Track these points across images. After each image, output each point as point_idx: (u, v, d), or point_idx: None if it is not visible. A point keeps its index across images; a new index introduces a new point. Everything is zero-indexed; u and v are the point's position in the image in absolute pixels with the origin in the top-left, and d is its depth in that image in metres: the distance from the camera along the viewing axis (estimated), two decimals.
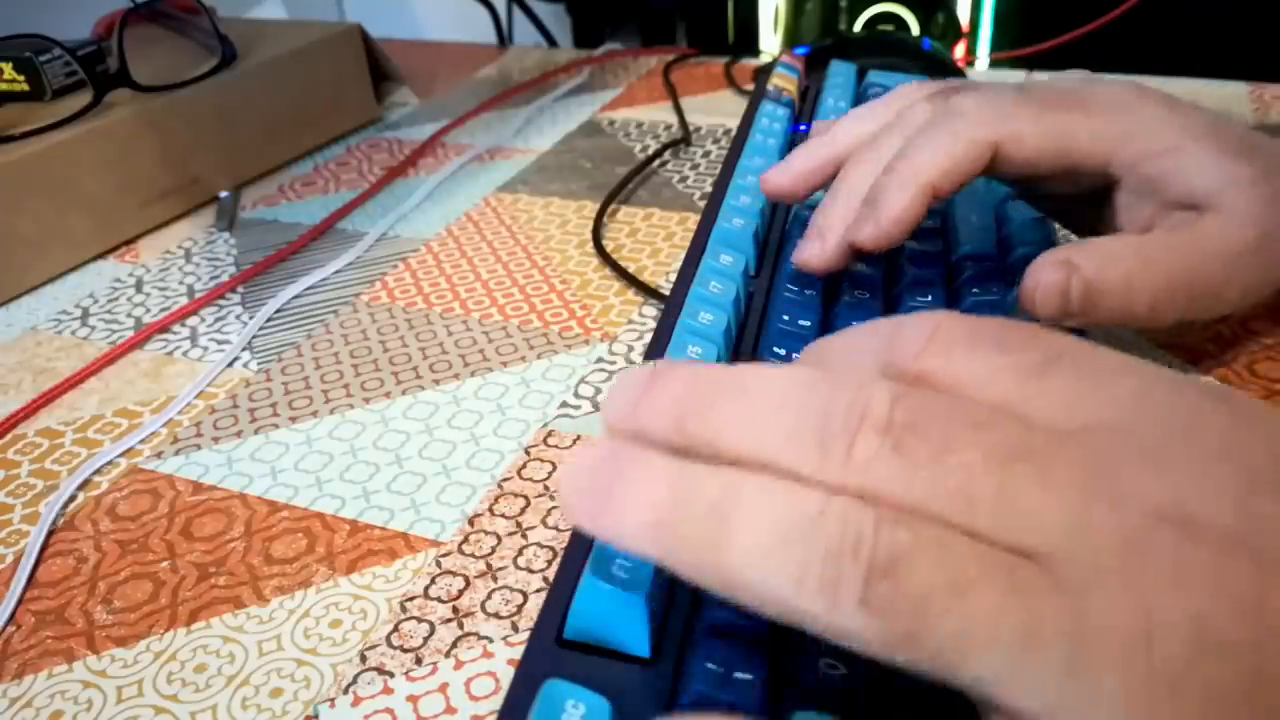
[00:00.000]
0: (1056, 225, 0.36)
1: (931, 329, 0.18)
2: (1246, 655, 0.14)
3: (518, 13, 0.97)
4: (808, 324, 0.30)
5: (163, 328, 0.42)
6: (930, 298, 0.31)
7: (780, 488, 0.16)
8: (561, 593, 0.21)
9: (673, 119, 0.61)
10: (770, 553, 0.16)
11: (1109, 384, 0.17)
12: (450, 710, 0.24)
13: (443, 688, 0.25)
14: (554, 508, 0.31)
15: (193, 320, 0.43)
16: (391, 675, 0.26)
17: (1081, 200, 0.32)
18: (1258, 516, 0.15)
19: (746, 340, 0.31)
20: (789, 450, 0.17)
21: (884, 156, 0.31)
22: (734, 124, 0.59)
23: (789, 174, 0.34)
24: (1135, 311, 0.27)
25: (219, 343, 0.41)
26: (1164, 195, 0.29)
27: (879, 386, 0.17)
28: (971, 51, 0.89)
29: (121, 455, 0.35)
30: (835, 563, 0.15)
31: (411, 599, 0.28)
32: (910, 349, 0.18)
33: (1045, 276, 0.27)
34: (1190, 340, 0.35)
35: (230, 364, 0.39)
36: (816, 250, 0.31)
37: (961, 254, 0.34)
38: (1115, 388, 0.17)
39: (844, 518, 0.15)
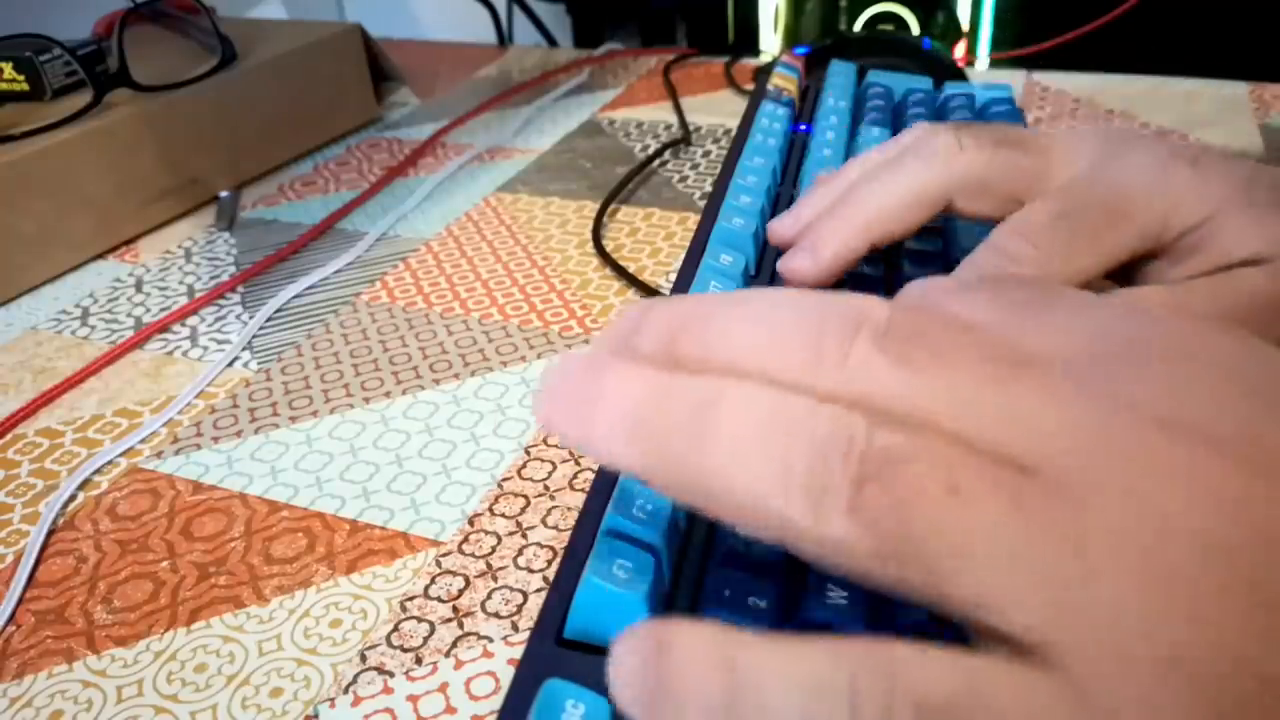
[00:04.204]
0: None
1: (922, 285, 0.18)
2: (1250, 560, 0.13)
3: (518, 13, 0.97)
4: None
5: (163, 327, 0.42)
6: None
7: (768, 389, 0.15)
8: (561, 592, 0.21)
9: (673, 119, 0.61)
10: (753, 452, 0.15)
11: (1111, 316, 0.17)
12: (450, 710, 0.24)
13: (443, 687, 0.25)
14: (555, 507, 0.31)
15: (193, 320, 0.43)
16: (391, 675, 0.26)
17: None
18: (1259, 432, 0.15)
19: None
20: (780, 355, 0.16)
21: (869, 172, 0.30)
22: (734, 124, 0.59)
23: (799, 224, 0.32)
24: None
25: (219, 342, 0.41)
26: (1202, 263, 0.28)
27: (876, 301, 0.17)
28: (971, 51, 0.89)
29: (121, 455, 0.35)
30: (823, 463, 0.14)
31: (411, 599, 0.28)
32: (902, 299, 0.18)
33: None
34: None
35: (230, 364, 0.39)
36: (802, 263, 0.30)
37: (961, 253, 0.34)
38: (1118, 319, 0.16)
39: (834, 418, 0.15)
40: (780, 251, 0.36)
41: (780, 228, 0.33)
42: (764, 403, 0.15)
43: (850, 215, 0.29)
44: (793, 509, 0.15)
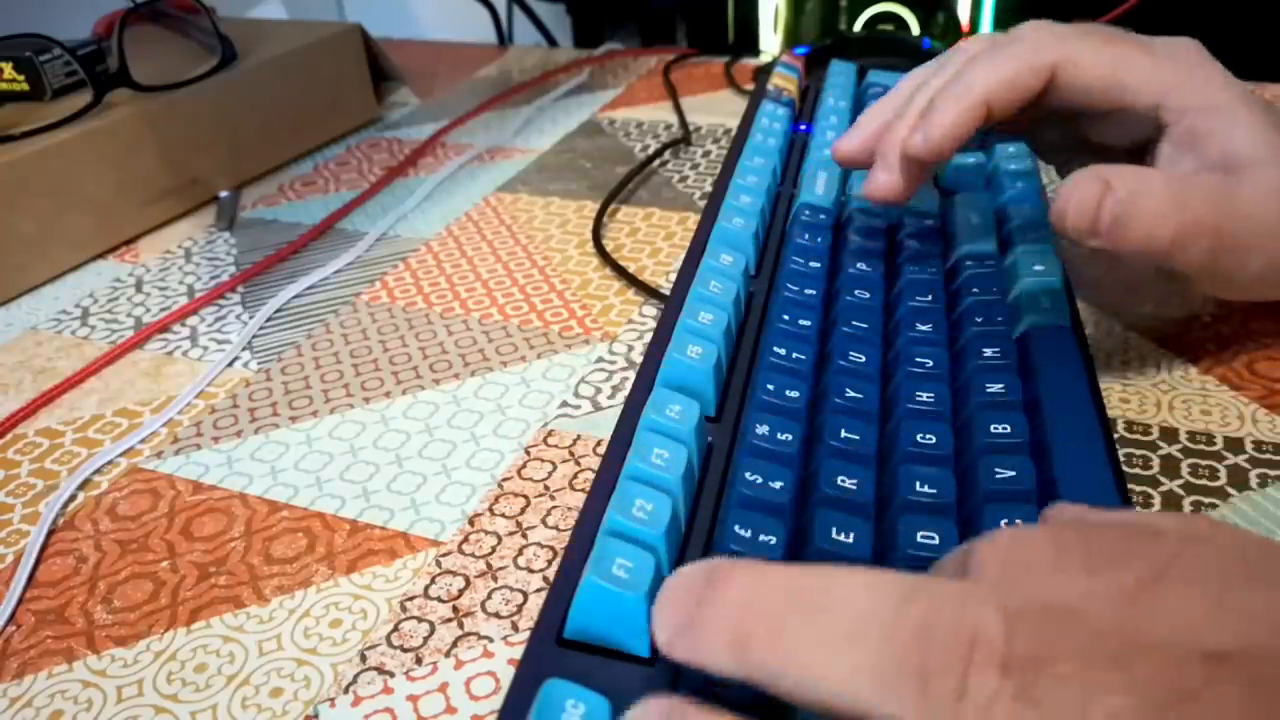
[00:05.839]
0: None
1: (1005, 549, 0.15)
2: None
3: (518, 13, 0.97)
4: (808, 324, 0.30)
5: (163, 327, 0.42)
6: (930, 297, 0.31)
7: None
8: (561, 592, 0.21)
9: (673, 119, 0.61)
10: None
11: (1232, 596, 0.14)
12: (450, 710, 0.24)
13: (443, 687, 0.25)
14: (555, 507, 0.31)
15: (193, 320, 0.43)
16: (391, 675, 0.26)
17: (1120, 152, 0.32)
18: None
19: (746, 340, 0.31)
20: (881, 690, 0.13)
21: (946, 79, 0.31)
22: (734, 124, 0.59)
23: (860, 137, 0.33)
24: (1159, 243, 0.27)
25: (219, 342, 0.41)
26: (1205, 153, 0.29)
27: (985, 603, 0.14)
28: None
29: (121, 455, 0.35)
30: None
31: (411, 599, 0.28)
32: (990, 575, 0.15)
33: (1080, 191, 0.27)
34: (1190, 340, 0.35)
35: (230, 364, 0.39)
36: (884, 179, 0.31)
37: (961, 254, 0.34)
38: (1240, 599, 0.14)
39: None
40: (785, 238, 0.36)
41: (845, 144, 0.33)
42: None
43: (963, 91, 0.29)
44: None
